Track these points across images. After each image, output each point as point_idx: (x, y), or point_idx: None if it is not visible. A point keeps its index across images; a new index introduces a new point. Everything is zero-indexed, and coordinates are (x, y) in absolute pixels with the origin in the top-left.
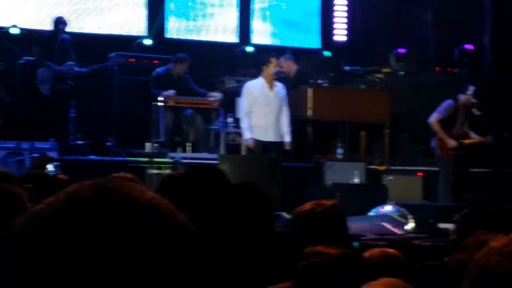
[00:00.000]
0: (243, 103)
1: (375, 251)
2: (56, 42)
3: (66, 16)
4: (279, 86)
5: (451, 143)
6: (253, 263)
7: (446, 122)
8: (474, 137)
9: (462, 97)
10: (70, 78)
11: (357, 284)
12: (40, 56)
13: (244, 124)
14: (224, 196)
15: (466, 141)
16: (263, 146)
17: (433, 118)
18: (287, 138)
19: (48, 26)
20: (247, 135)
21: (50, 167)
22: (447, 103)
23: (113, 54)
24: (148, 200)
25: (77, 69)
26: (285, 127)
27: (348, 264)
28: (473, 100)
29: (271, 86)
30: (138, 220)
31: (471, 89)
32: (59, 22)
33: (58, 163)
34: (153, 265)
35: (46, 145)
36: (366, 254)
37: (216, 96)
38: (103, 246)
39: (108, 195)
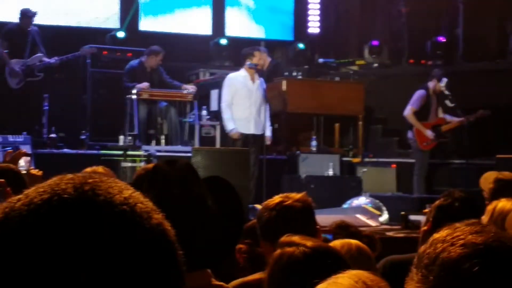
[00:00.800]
0: (225, 94)
1: (337, 242)
2: (24, 34)
3: (37, 9)
4: (261, 80)
5: (429, 134)
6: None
7: (421, 112)
8: (451, 121)
9: (431, 84)
10: (39, 70)
11: (330, 275)
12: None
13: (226, 115)
14: (192, 189)
15: (443, 128)
16: (244, 139)
17: (408, 111)
18: (268, 132)
19: (15, 18)
20: (230, 125)
21: (22, 162)
22: (419, 93)
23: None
24: (125, 199)
25: (46, 59)
26: (266, 121)
27: (322, 256)
28: (446, 92)
29: (253, 79)
30: (113, 220)
31: (444, 80)
32: (27, 14)
33: (30, 158)
34: (125, 266)
35: (19, 138)
36: (329, 245)
37: (189, 88)
38: (76, 245)
39: (86, 192)
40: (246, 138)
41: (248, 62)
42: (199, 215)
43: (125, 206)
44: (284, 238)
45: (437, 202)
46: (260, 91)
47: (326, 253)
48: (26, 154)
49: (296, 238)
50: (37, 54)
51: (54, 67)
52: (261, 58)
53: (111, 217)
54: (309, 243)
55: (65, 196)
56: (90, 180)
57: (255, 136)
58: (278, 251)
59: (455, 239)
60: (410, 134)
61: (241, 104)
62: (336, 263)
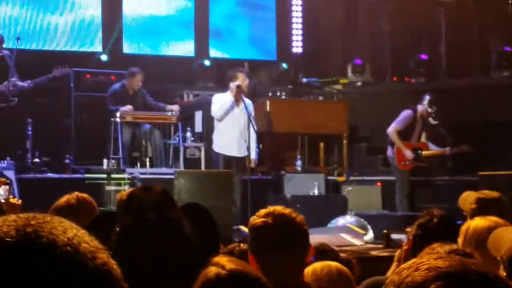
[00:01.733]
0: (216, 106)
1: (318, 264)
2: None
3: (19, 33)
4: (247, 102)
5: (408, 154)
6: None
7: (404, 132)
8: (433, 149)
9: (420, 107)
10: (13, 94)
11: None
12: None
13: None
14: (167, 214)
15: (424, 153)
16: (225, 161)
17: (392, 129)
18: (253, 155)
19: None
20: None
21: (1, 191)
22: (406, 113)
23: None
24: (69, 239)
25: (19, 83)
26: (252, 143)
27: (238, 281)
28: (429, 109)
29: (237, 102)
30: (56, 262)
31: (426, 98)
32: None
33: (8, 187)
34: None
35: (2, 164)
36: (309, 268)
37: (174, 109)
38: None
39: (29, 234)
40: (229, 160)
41: (231, 84)
42: (173, 240)
43: (68, 247)
44: (214, 258)
45: (417, 221)
46: (245, 114)
47: (244, 278)
48: (5, 183)
49: (222, 259)
50: (10, 79)
51: (30, 91)
52: (245, 79)
53: (54, 259)
54: (230, 265)
55: (7, 239)
56: (32, 222)
57: (238, 158)
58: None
59: (420, 265)
60: (389, 152)
61: (224, 126)
62: None
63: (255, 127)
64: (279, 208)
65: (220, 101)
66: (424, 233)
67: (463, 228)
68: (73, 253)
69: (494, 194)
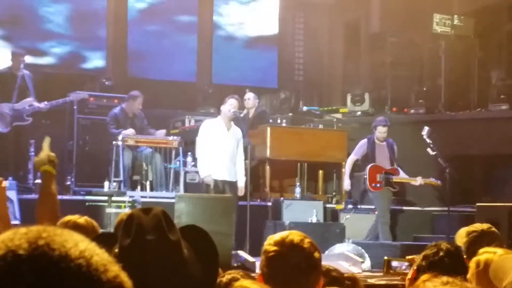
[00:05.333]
0: (200, 141)
1: None
2: (13, 78)
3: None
4: (236, 129)
5: (346, 183)
6: None
7: (367, 159)
8: (403, 177)
9: (374, 136)
10: (28, 114)
11: None
12: None
13: (201, 161)
14: (167, 236)
15: (395, 178)
16: (217, 185)
17: (348, 160)
18: (240, 183)
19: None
20: (205, 172)
21: None
22: (360, 143)
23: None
24: (81, 252)
25: (36, 104)
26: (239, 170)
27: None
28: (428, 140)
29: (228, 127)
30: (69, 276)
31: (426, 129)
32: (15, 54)
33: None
34: None
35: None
36: None
37: (162, 135)
38: None
39: (41, 247)
40: (219, 185)
41: (222, 108)
42: (174, 262)
43: (81, 259)
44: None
45: (423, 252)
46: (235, 139)
47: None
48: None
49: (245, 282)
50: (27, 99)
51: (43, 112)
52: (231, 104)
53: (67, 272)
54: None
55: (20, 252)
56: (44, 234)
57: (230, 183)
58: None
59: None
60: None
61: (215, 151)
62: None
63: (243, 156)
64: (294, 235)
65: (205, 132)
66: (429, 265)
67: (472, 264)
68: (86, 266)
69: (484, 226)
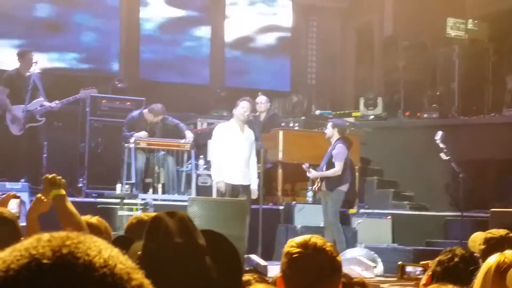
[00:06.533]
0: (214, 145)
1: None
2: (23, 79)
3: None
4: (249, 132)
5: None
6: None
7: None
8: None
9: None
10: (40, 115)
11: None
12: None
13: (214, 166)
14: (194, 239)
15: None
16: (231, 189)
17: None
18: (254, 185)
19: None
20: (218, 177)
21: (13, 205)
22: (343, 148)
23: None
24: (105, 260)
25: (47, 104)
26: (253, 173)
27: None
28: (441, 145)
29: (242, 130)
30: (91, 285)
31: (439, 134)
32: (26, 54)
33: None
34: None
35: (17, 185)
36: None
37: (191, 138)
38: None
39: (65, 256)
40: (234, 188)
41: (235, 112)
42: (201, 265)
43: (105, 269)
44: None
45: (438, 258)
46: (249, 142)
47: None
48: (15, 197)
49: (261, 286)
50: (38, 99)
51: (54, 111)
52: (244, 107)
53: (91, 282)
54: None
55: (44, 261)
56: (68, 242)
57: (244, 186)
58: None
59: None
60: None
61: (229, 154)
62: None
63: (255, 158)
64: (316, 239)
65: (219, 136)
66: (443, 271)
67: (483, 268)
68: (110, 275)
69: (501, 232)
